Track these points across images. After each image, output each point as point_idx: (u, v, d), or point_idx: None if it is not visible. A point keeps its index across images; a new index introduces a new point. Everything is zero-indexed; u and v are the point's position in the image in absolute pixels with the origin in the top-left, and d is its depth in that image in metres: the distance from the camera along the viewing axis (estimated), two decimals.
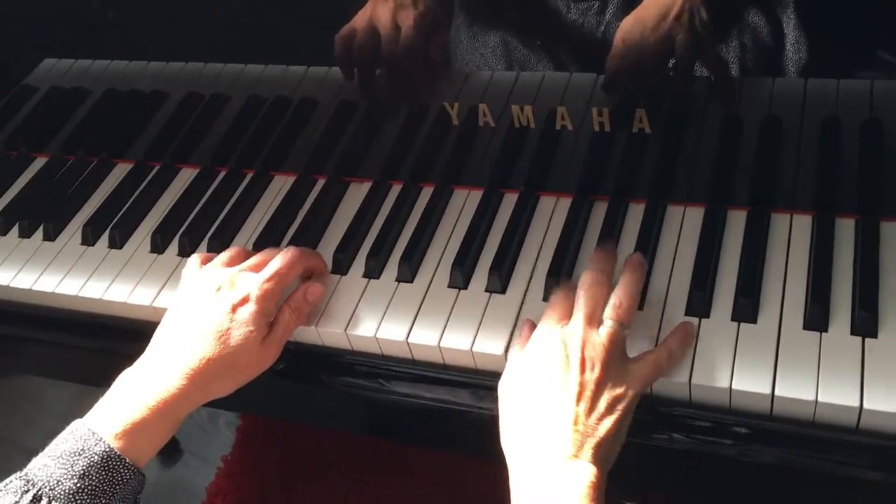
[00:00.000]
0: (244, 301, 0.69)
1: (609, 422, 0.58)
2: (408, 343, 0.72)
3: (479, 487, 1.13)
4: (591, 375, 0.59)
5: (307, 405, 0.86)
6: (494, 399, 0.69)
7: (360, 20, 0.79)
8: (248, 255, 0.76)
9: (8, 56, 1.04)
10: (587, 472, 0.56)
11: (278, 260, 0.73)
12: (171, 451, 1.49)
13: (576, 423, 0.58)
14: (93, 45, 0.99)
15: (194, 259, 0.76)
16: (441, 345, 0.71)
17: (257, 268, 0.73)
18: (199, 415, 1.47)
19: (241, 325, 0.68)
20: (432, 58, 0.79)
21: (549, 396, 0.59)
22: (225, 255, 0.76)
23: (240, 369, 0.69)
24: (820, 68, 0.70)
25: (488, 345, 0.70)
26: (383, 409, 0.78)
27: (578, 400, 0.58)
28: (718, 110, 0.74)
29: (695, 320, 0.67)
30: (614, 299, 0.63)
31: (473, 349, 0.70)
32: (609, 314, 0.63)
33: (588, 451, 0.57)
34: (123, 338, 0.83)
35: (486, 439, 0.74)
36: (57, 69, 1.02)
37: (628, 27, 0.70)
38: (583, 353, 0.60)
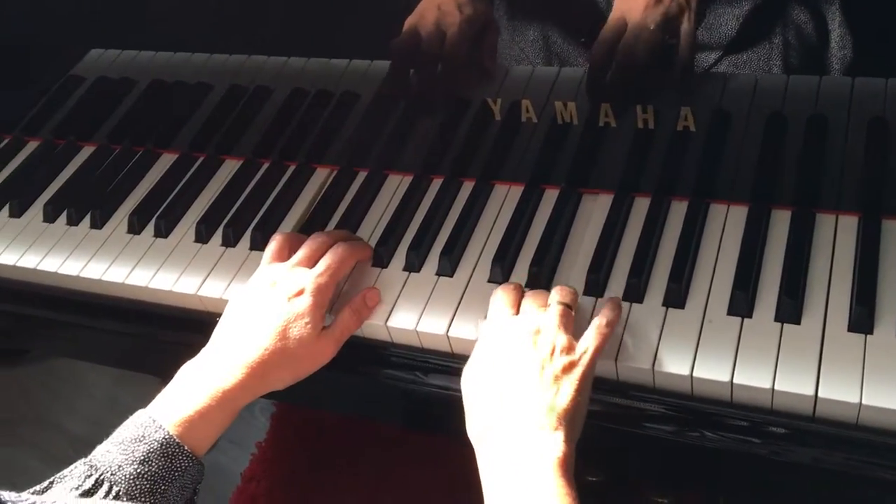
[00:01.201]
0: (299, 293, 0.71)
1: (567, 391, 0.60)
2: (448, 337, 0.73)
3: None
4: (545, 350, 0.62)
5: (345, 395, 0.87)
6: None
7: (409, 29, 0.80)
8: (293, 241, 0.78)
9: (55, 46, 1.06)
10: (555, 447, 0.57)
11: (330, 255, 0.74)
12: None
13: (537, 392, 0.60)
14: (138, 36, 1.00)
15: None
16: None
17: (309, 259, 0.75)
18: None
19: (298, 317, 0.69)
20: (484, 62, 0.80)
21: (509, 375, 0.62)
22: (273, 247, 0.77)
23: (297, 361, 0.70)
24: (867, 66, 0.70)
25: None
26: (420, 400, 0.79)
27: (537, 372, 0.61)
28: (764, 109, 0.74)
29: (737, 320, 0.67)
30: (555, 289, 0.68)
31: None
32: (554, 298, 0.67)
33: (552, 420, 0.58)
34: (166, 325, 0.85)
35: None
36: (103, 60, 1.04)
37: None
38: (536, 330, 0.64)
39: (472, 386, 0.64)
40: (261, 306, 0.71)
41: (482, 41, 0.80)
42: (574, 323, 0.67)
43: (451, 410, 0.78)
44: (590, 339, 0.64)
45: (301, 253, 0.75)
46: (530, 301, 0.68)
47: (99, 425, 1.56)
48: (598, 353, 0.64)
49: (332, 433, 1.39)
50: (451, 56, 0.81)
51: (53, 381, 1.69)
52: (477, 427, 0.62)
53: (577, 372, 0.61)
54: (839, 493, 0.67)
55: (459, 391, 0.74)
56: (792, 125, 0.73)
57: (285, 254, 0.76)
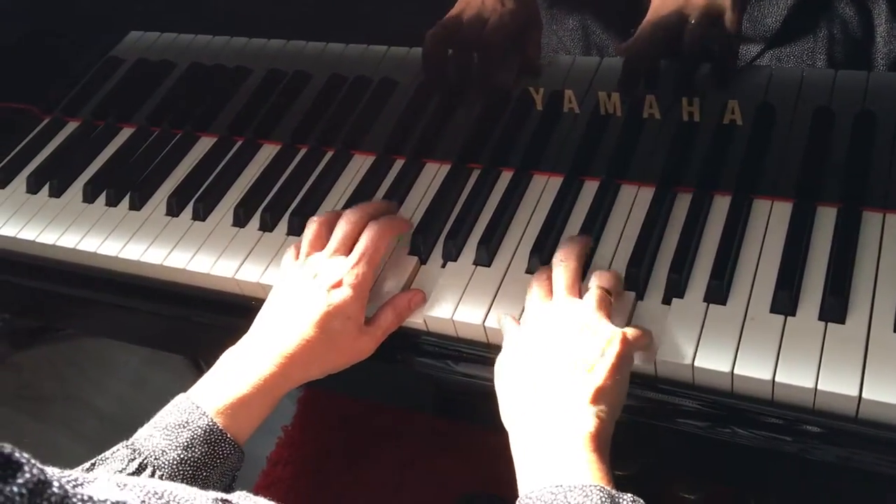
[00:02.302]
0: (338, 286, 0.71)
1: (602, 369, 0.60)
2: (484, 327, 0.72)
3: None
4: (580, 331, 0.62)
5: (376, 382, 0.87)
6: None
7: (452, 17, 0.79)
8: (330, 222, 0.78)
9: (95, 27, 1.06)
10: (588, 422, 0.57)
11: (364, 239, 0.74)
12: None
13: (571, 373, 0.60)
14: (177, 19, 1.01)
15: (291, 251, 0.78)
16: None
17: (346, 241, 0.75)
18: None
19: (339, 309, 0.70)
20: (526, 51, 0.79)
21: (543, 358, 0.62)
22: (310, 236, 0.77)
23: (338, 353, 0.71)
24: None
25: None
26: (450, 389, 0.79)
27: (571, 353, 0.61)
28: (811, 103, 0.72)
29: (780, 318, 0.66)
30: (598, 271, 0.69)
31: None
32: (594, 282, 0.67)
33: (586, 396, 0.58)
34: (202, 307, 0.85)
35: None
36: (142, 42, 1.04)
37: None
38: (571, 312, 0.64)
39: (506, 375, 0.64)
40: (301, 297, 0.71)
41: (524, 31, 0.80)
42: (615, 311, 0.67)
43: (480, 399, 0.78)
44: (630, 328, 0.64)
45: (337, 237, 0.76)
46: (561, 285, 0.67)
47: (128, 405, 1.58)
48: (638, 341, 0.63)
49: (359, 418, 1.39)
50: (493, 45, 0.80)
51: (83, 359, 1.71)
52: (512, 412, 0.62)
53: (612, 353, 0.61)
54: (876, 494, 0.66)
55: (489, 380, 0.74)
56: (839, 121, 0.72)
57: (323, 240, 0.76)
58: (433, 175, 0.87)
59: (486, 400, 0.77)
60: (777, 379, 0.63)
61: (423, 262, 0.79)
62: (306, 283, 0.72)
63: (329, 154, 0.93)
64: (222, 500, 0.43)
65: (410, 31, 0.85)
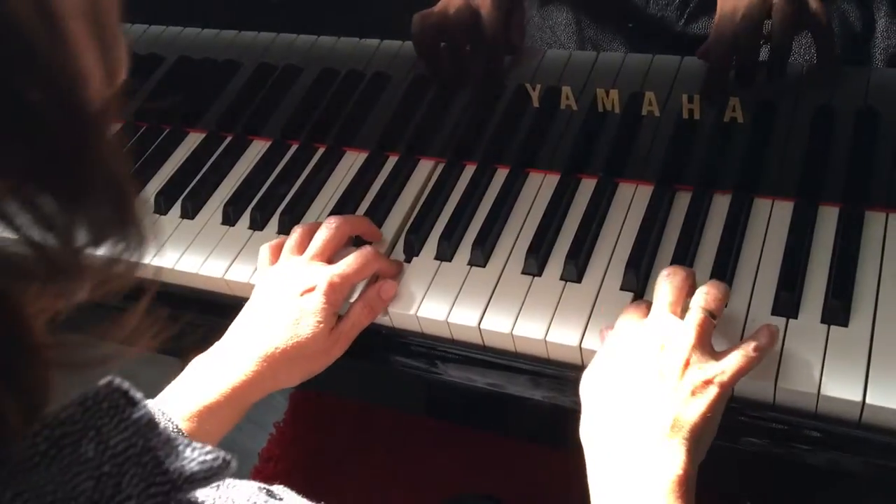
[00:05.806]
0: (310, 290, 0.69)
1: (697, 408, 0.55)
2: (479, 329, 0.71)
3: (529, 469, 1.13)
4: (676, 360, 0.57)
5: (369, 383, 0.86)
6: (556, 388, 0.68)
7: (440, 8, 0.77)
8: (312, 232, 0.76)
9: None
10: (675, 463, 0.53)
11: (351, 259, 0.72)
12: None
13: (662, 404, 0.55)
14: (165, 11, 0.98)
15: (265, 248, 0.76)
16: (514, 333, 0.70)
17: (324, 248, 0.73)
18: None
19: (310, 315, 0.68)
20: (519, 45, 0.77)
21: (632, 384, 0.58)
22: (292, 241, 0.75)
23: (308, 359, 0.69)
24: None
25: (562, 335, 0.68)
26: (442, 390, 0.78)
27: (665, 383, 0.56)
28: (813, 101, 0.71)
29: (782, 321, 0.65)
30: (704, 288, 0.61)
31: (547, 339, 0.68)
32: (697, 302, 0.60)
33: (676, 436, 0.54)
34: (190, 307, 0.83)
35: (545, 425, 0.74)
36: (129, 34, 1.01)
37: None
38: (666, 338, 0.58)
39: (592, 389, 0.60)
40: (273, 303, 0.69)
41: (515, 23, 0.78)
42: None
43: (471, 401, 0.77)
44: (733, 360, 0.57)
45: (316, 243, 0.74)
46: (665, 301, 0.61)
47: None
48: (740, 375, 0.58)
49: (351, 416, 1.38)
50: (485, 38, 0.78)
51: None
52: (591, 430, 0.58)
53: (711, 391, 0.56)
54: (875, 501, 0.65)
55: (480, 383, 0.73)
56: (841, 118, 0.71)
57: (304, 248, 0.75)
58: (427, 172, 0.86)
59: (477, 401, 0.76)
60: (779, 384, 0.62)
61: (409, 261, 0.77)
62: (280, 289, 0.70)
63: (320, 150, 0.91)
64: (266, 489, 0.44)
65: (404, 24, 0.83)
